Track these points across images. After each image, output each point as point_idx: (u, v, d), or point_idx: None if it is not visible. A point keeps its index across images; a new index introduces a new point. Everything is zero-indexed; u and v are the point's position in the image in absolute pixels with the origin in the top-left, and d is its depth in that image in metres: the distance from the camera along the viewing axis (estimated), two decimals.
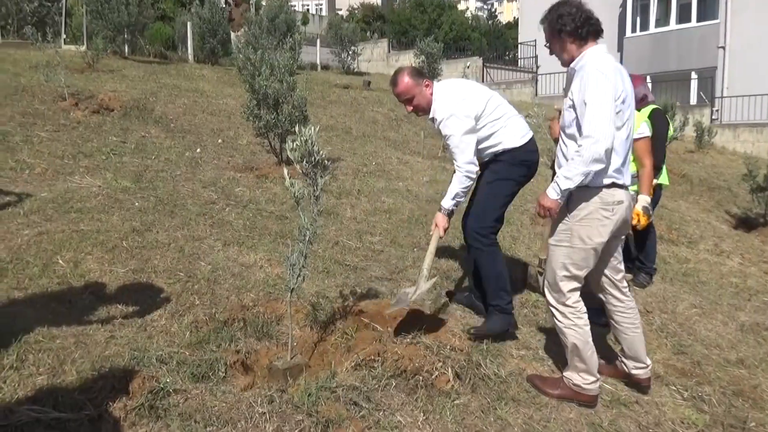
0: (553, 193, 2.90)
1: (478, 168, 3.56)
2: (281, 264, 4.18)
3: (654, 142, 4.59)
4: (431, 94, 3.61)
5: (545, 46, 3.11)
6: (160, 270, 3.82)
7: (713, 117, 17.53)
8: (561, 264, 2.99)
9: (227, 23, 13.18)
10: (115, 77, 9.40)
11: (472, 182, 3.56)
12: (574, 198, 2.93)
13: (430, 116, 3.65)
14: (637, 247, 5.06)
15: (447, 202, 3.61)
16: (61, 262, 3.66)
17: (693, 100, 19.26)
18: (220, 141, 7.26)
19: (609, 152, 2.77)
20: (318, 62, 18.25)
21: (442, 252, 4.72)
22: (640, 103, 4.65)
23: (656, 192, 4.92)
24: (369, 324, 3.49)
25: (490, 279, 3.59)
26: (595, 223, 2.89)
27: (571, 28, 2.90)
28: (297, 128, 2.96)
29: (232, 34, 12.86)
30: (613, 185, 2.90)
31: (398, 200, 6.09)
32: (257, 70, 6.03)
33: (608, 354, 3.57)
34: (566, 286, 2.99)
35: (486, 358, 3.28)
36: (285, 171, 3.11)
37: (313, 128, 2.96)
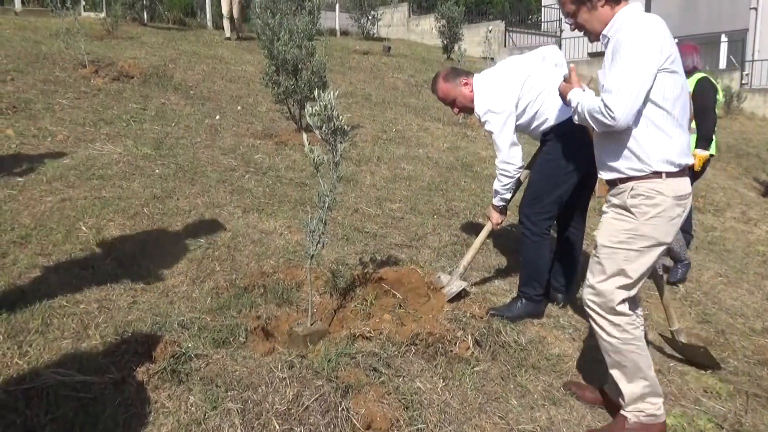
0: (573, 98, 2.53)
1: (518, 165, 3.42)
2: (301, 231, 4.18)
3: (703, 112, 4.50)
4: (471, 91, 3.52)
5: (567, 22, 2.64)
6: (181, 237, 3.84)
7: (743, 81, 17.03)
8: (619, 269, 2.46)
9: None
10: (135, 44, 9.38)
11: (510, 180, 3.46)
12: (641, 190, 2.42)
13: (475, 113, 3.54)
14: None
15: (494, 200, 3.58)
16: (83, 228, 3.69)
17: (722, 64, 18.70)
18: (239, 108, 7.23)
19: (626, 116, 2.31)
20: (337, 28, 18.00)
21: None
22: (689, 74, 4.56)
23: (705, 163, 4.73)
24: (389, 291, 3.48)
25: (527, 266, 3.51)
26: (664, 222, 2.41)
27: None
28: (316, 93, 2.92)
29: None
30: (683, 173, 2.44)
31: (418, 167, 6.04)
32: (276, 35, 5.95)
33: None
34: (621, 294, 2.47)
35: (506, 326, 3.26)
36: (305, 137, 3.07)
37: (332, 93, 2.92)
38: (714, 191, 7.27)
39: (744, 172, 8.74)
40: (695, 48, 4.87)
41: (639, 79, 2.29)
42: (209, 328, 2.90)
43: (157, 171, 4.79)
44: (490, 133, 3.45)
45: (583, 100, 2.49)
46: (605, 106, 2.32)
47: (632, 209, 2.43)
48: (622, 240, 2.45)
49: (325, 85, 6.15)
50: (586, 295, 2.57)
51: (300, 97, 6.08)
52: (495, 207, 3.59)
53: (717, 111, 4.74)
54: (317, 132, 2.97)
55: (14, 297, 2.87)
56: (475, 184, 5.84)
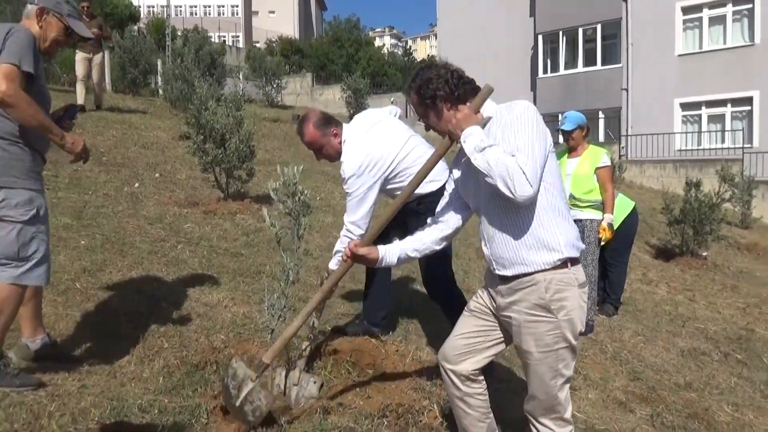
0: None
1: (362, 231, 3.38)
2: (246, 302, 4.09)
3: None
4: (340, 143, 3.45)
5: (420, 121, 2.59)
6: (120, 313, 3.63)
7: (621, 154, 18.73)
8: (555, 371, 2.27)
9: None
10: None
11: None
12: (551, 286, 2.21)
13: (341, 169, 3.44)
14: (607, 279, 5.53)
15: (332, 263, 3.53)
16: None
17: (601, 137, 20.54)
18: (157, 175, 7.01)
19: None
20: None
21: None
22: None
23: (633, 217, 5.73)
24: (345, 362, 3.45)
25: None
26: (578, 313, 2.26)
27: (445, 93, 2.32)
28: (278, 168, 2.97)
29: (79, 54, 9.96)
30: (578, 260, 2.31)
31: None
32: (204, 104, 5.92)
33: None
34: (564, 393, 2.32)
35: None
36: (265, 211, 3.11)
37: (296, 168, 3.00)
38: None
39: (637, 237, 9.49)
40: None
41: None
42: (169, 411, 2.74)
43: (82, 242, 4.53)
44: (349, 193, 3.39)
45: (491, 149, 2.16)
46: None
47: (550, 308, 2.23)
48: (549, 342, 2.26)
49: (253, 153, 6.14)
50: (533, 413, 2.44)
51: (228, 166, 6.01)
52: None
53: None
54: (281, 206, 3.01)
55: None
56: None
